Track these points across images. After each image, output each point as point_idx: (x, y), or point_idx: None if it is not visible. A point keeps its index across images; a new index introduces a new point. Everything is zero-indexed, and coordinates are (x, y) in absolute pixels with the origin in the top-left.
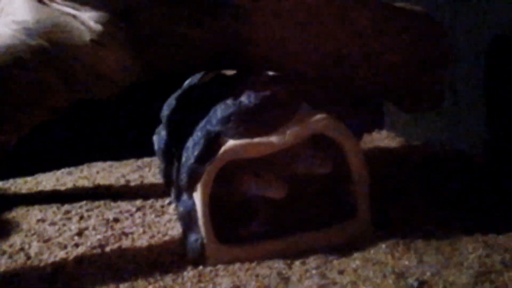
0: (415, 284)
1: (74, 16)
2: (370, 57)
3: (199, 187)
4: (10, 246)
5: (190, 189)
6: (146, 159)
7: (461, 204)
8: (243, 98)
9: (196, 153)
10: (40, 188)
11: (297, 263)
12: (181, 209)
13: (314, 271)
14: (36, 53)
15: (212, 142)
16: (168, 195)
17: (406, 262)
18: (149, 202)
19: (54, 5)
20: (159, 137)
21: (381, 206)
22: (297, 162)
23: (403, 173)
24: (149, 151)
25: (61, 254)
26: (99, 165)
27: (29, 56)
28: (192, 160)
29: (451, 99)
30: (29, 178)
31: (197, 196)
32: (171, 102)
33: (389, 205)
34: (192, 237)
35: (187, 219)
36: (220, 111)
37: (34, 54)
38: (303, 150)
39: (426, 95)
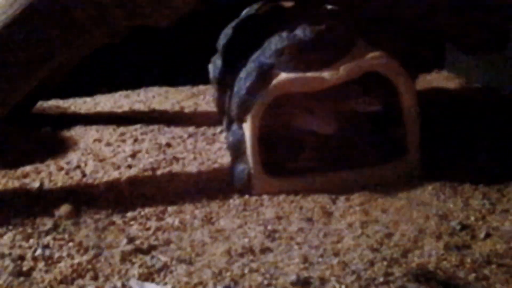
0: (458, 227)
1: None
2: None
3: (249, 118)
4: (67, 163)
5: (240, 119)
6: (201, 87)
7: None
8: (298, 31)
9: (248, 84)
10: (98, 109)
11: (342, 198)
12: (230, 138)
13: (357, 208)
14: None
15: (265, 74)
16: (220, 123)
17: (451, 205)
18: (201, 129)
19: None
20: (214, 66)
21: (431, 148)
22: (347, 99)
23: (458, 116)
24: (204, 79)
25: (115, 174)
26: (155, 90)
27: None
28: (243, 91)
29: None
30: (88, 99)
31: (247, 127)
32: (227, 31)
33: (440, 148)
34: (240, 167)
35: (236, 149)
36: (274, 43)
37: None
38: (354, 87)
39: (490, 36)
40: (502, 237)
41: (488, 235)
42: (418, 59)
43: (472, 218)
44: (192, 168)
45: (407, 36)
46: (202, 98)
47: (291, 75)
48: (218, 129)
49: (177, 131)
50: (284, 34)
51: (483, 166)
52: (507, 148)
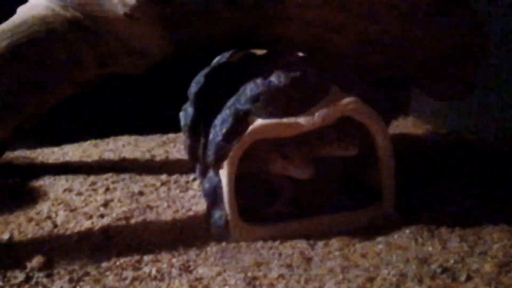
0: (438, 270)
1: None
2: (406, 41)
3: (225, 165)
4: (38, 213)
5: (217, 166)
6: (171, 135)
7: (486, 193)
8: (273, 78)
9: (224, 130)
10: (67, 158)
11: (320, 244)
12: (206, 185)
13: (336, 253)
14: (70, 25)
15: (241, 120)
16: (193, 171)
17: (430, 248)
18: (174, 177)
19: None
20: (185, 114)
21: (406, 192)
22: (324, 144)
23: (428, 160)
24: (174, 127)
25: (87, 224)
26: (124, 139)
27: (63, 28)
28: (219, 138)
29: (481, 89)
30: (56, 149)
31: (223, 173)
32: (199, 79)
33: (414, 191)
34: (217, 214)
35: (212, 196)
36: (249, 90)
37: (68, 25)
38: (330, 132)
39: (458, 83)
40: (483, 279)
41: (469, 278)
42: (389, 105)
43: (452, 261)
44: (167, 216)
45: (376, 83)
46: (173, 146)
47: (267, 121)
48: (191, 176)
49: (149, 179)
50: (259, 80)
51: (458, 209)
52: (479, 191)
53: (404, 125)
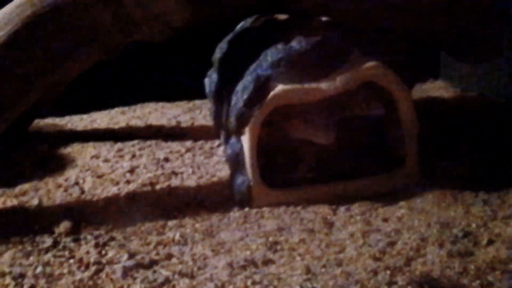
0: (460, 234)
1: None
2: (432, 4)
3: (247, 131)
4: (66, 180)
5: (239, 132)
6: (197, 101)
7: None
8: (294, 43)
9: (245, 96)
10: (94, 126)
11: (342, 209)
12: (229, 151)
13: (358, 217)
14: None
15: (262, 86)
16: (218, 137)
17: (452, 213)
18: (199, 143)
19: None
20: (210, 80)
21: (430, 157)
22: (353, 104)
23: (455, 124)
24: (200, 94)
25: (114, 190)
26: (151, 106)
27: None
28: (241, 104)
29: (509, 50)
30: (84, 116)
31: (245, 139)
32: (223, 45)
33: (439, 156)
34: (239, 179)
35: (235, 162)
36: (270, 55)
37: None
38: (359, 92)
39: (484, 45)
40: (505, 243)
41: (490, 242)
42: (413, 69)
43: (474, 225)
44: (191, 182)
45: (402, 46)
46: (199, 112)
47: (288, 86)
48: (216, 143)
49: (175, 146)
50: (280, 46)
51: (483, 173)
52: (506, 155)
53: (432, 88)
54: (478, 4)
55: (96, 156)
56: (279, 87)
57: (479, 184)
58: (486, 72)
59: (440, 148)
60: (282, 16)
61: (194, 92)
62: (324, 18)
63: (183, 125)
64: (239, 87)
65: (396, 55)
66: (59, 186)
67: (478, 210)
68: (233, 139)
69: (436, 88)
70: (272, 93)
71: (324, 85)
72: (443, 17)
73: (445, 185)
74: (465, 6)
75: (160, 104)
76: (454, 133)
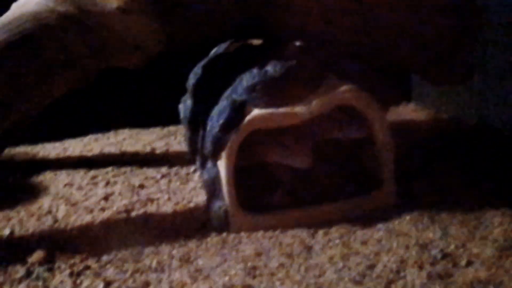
0: (439, 256)
1: None
2: (402, 28)
3: (223, 155)
4: (38, 208)
5: (215, 157)
6: (172, 128)
7: (487, 178)
8: (269, 67)
9: (221, 121)
10: (67, 153)
11: (321, 232)
12: (205, 176)
13: (337, 241)
14: (64, 19)
15: (237, 110)
16: (193, 163)
17: (430, 234)
18: (174, 169)
19: None
20: (184, 106)
21: (406, 178)
22: (331, 127)
23: (429, 146)
24: (175, 120)
25: (88, 218)
26: (125, 132)
27: (56, 23)
28: (217, 129)
29: (481, 72)
30: (57, 144)
31: (222, 164)
32: (197, 71)
33: (415, 178)
34: (216, 204)
35: (212, 187)
36: (245, 80)
37: (61, 20)
38: (338, 114)
39: (456, 68)
40: (484, 264)
41: (469, 263)
42: (387, 92)
43: (452, 246)
44: (167, 208)
45: (375, 70)
46: (174, 138)
47: (264, 111)
48: (191, 168)
49: (150, 172)
50: (255, 70)
51: (459, 194)
52: (480, 175)
53: (405, 112)
54: (448, 26)
55: (70, 184)
56: (255, 112)
57: (456, 205)
58: (457, 94)
59: (415, 170)
60: (256, 42)
61: (169, 118)
62: (298, 43)
63: (158, 151)
64: (215, 112)
65: (369, 79)
66: (32, 215)
67: (456, 231)
68: (209, 164)
69: (409, 111)
70: (247, 118)
71: (299, 109)
72: (413, 40)
73: (422, 207)
74: (434, 28)
75: (135, 130)
76: (428, 155)
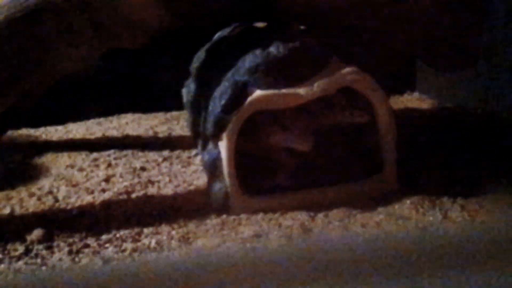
0: None
1: None
2: (405, 12)
3: (224, 136)
4: (39, 189)
5: (216, 138)
6: (175, 113)
7: (490, 165)
8: (272, 49)
9: (222, 102)
10: (70, 136)
11: (320, 215)
12: (206, 158)
13: (336, 223)
14: None
15: (239, 91)
16: (195, 146)
17: (431, 218)
18: (176, 153)
19: None
20: (188, 90)
21: (408, 164)
22: (335, 112)
23: (433, 133)
24: (178, 105)
25: (88, 199)
26: (128, 117)
27: (61, 0)
28: (218, 109)
29: (485, 61)
30: (59, 127)
31: (223, 145)
32: (200, 54)
33: (417, 163)
34: (217, 186)
35: (212, 168)
36: (248, 61)
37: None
38: (341, 100)
39: (460, 54)
40: None
41: None
42: (390, 77)
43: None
44: (168, 190)
45: (380, 54)
46: (176, 123)
47: (266, 92)
48: (193, 152)
49: (152, 155)
50: (258, 51)
51: (460, 180)
52: (482, 162)
53: (410, 100)
54: (454, 13)
55: (71, 166)
56: (257, 93)
57: (457, 190)
58: (462, 84)
59: (418, 156)
60: (260, 25)
61: (172, 103)
62: (301, 27)
63: (160, 135)
64: (217, 93)
65: (373, 63)
66: (32, 195)
67: (456, 216)
68: (210, 146)
69: (413, 100)
70: (249, 99)
71: (302, 90)
72: (418, 26)
73: (423, 192)
74: (440, 14)
75: (137, 115)
76: (432, 142)
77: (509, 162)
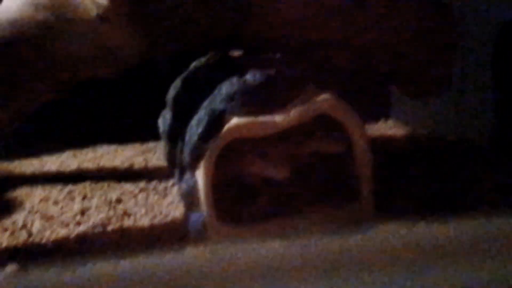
0: None
1: None
2: (379, 38)
3: (202, 165)
4: (13, 223)
5: (193, 167)
6: (151, 144)
7: (466, 193)
8: (248, 76)
9: (200, 130)
10: (44, 169)
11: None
12: (183, 187)
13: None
14: (43, 27)
15: (216, 120)
16: (172, 177)
17: None
18: (153, 184)
19: None
20: (164, 120)
21: (384, 192)
22: (313, 141)
23: (407, 161)
24: (154, 136)
25: (63, 232)
26: (104, 148)
27: (35, 31)
28: (195, 138)
29: (459, 87)
30: (34, 160)
31: (200, 174)
32: (176, 84)
33: (393, 192)
34: (194, 216)
35: (190, 197)
36: (224, 89)
37: (40, 28)
38: (319, 128)
39: (434, 79)
40: None
41: None
42: (365, 107)
43: None
44: (145, 222)
45: (353, 82)
46: (152, 154)
47: (243, 119)
48: (170, 183)
49: (128, 186)
50: (234, 80)
51: (435, 209)
52: (457, 189)
53: (384, 128)
54: (426, 39)
55: (45, 199)
56: (234, 120)
57: (433, 217)
58: (435, 110)
59: (393, 184)
60: (236, 53)
61: (148, 134)
62: (278, 55)
63: (136, 166)
64: (194, 122)
65: (347, 91)
66: (5, 229)
67: None
68: (187, 175)
69: (388, 128)
70: (227, 127)
71: (278, 117)
72: (391, 53)
73: (399, 220)
74: (413, 41)
75: (113, 146)
76: (406, 170)
77: (483, 191)
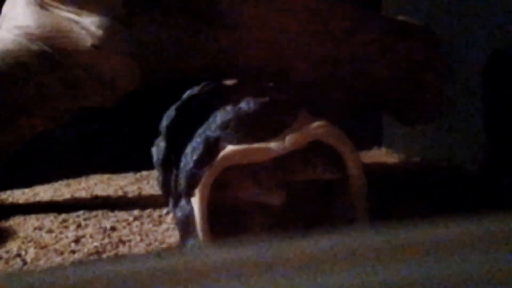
0: None
1: (75, 22)
2: (369, 68)
3: (197, 192)
4: (7, 252)
5: (189, 194)
6: (145, 172)
7: (459, 217)
8: (242, 104)
9: (195, 158)
10: (37, 199)
11: None
12: (179, 214)
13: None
14: (38, 58)
15: (211, 147)
16: (166, 205)
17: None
18: (147, 211)
19: (56, 10)
20: (158, 149)
21: (379, 218)
22: (307, 167)
23: (400, 188)
24: (147, 164)
25: (58, 260)
26: (97, 177)
27: (30, 60)
28: (191, 165)
29: (450, 114)
30: (26, 190)
31: (196, 201)
32: (170, 113)
33: (388, 217)
34: (190, 242)
35: (185, 224)
36: (219, 116)
37: (36, 58)
38: (314, 155)
39: (425, 106)
40: None
41: None
42: (357, 134)
43: None
44: (140, 249)
45: (348, 110)
46: (146, 182)
47: (238, 147)
48: (164, 211)
49: (122, 215)
50: (229, 107)
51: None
52: (453, 214)
53: (377, 155)
54: (417, 67)
55: (39, 228)
56: (229, 148)
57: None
58: (427, 137)
59: (387, 211)
60: (230, 82)
61: (141, 163)
62: (271, 83)
63: (130, 195)
64: (189, 149)
65: (341, 118)
66: (0, 258)
67: None
68: (183, 202)
69: (381, 155)
70: (221, 154)
71: (273, 144)
72: (381, 81)
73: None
74: (403, 68)
75: (106, 175)
76: (400, 197)
77: (475, 214)
